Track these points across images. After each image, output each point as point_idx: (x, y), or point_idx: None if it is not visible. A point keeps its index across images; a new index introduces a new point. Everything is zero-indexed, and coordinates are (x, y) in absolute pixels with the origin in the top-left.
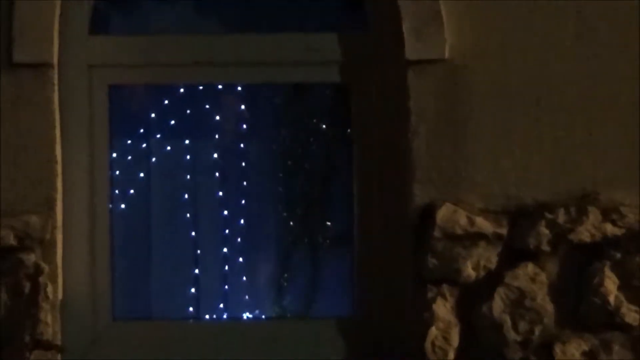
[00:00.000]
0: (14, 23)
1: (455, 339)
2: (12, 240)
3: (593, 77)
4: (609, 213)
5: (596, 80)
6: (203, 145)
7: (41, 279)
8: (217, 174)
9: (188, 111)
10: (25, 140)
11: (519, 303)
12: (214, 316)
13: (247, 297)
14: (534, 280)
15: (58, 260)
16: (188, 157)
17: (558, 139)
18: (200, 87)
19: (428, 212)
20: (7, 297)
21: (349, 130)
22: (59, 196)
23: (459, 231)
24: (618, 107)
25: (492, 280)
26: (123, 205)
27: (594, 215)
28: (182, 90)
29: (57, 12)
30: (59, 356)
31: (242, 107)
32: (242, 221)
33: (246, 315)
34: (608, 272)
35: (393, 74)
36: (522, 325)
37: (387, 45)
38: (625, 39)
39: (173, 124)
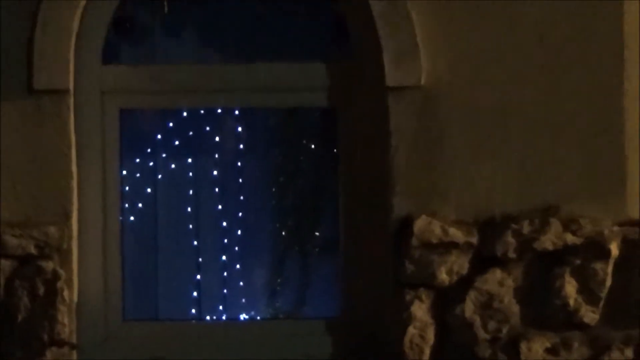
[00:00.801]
0: (34, 54)
1: (430, 338)
2: (32, 249)
3: (554, 101)
4: (569, 224)
5: (557, 104)
6: (204, 163)
7: (58, 284)
8: (216, 189)
9: (191, 133)
10: (44, 159)
11: (488, 305)
12: (214, 317)
13: (243, 299)
14: (501, 284)
15: (74, 267)
16: (190, 174)
17: (523, 158)
18: (202, 111)
19: (406, 223)
20: (28, 300)
21: (335, 150)
22: (75, 209)
23: (434, 240)
24: (577, 129)
25: (463, 284)
26: (132, 217)
27: (555, 226)
28: (185, 113)
29: (73, 43)
30: (74, 353)
31: (239, 129)
32: (239, 231)
33: (243, 316)
34: (568, 277)
35: (375, 99)
36: (491, 325)
37: (370, 73)
38: (584, 65)
39: (177, 144)
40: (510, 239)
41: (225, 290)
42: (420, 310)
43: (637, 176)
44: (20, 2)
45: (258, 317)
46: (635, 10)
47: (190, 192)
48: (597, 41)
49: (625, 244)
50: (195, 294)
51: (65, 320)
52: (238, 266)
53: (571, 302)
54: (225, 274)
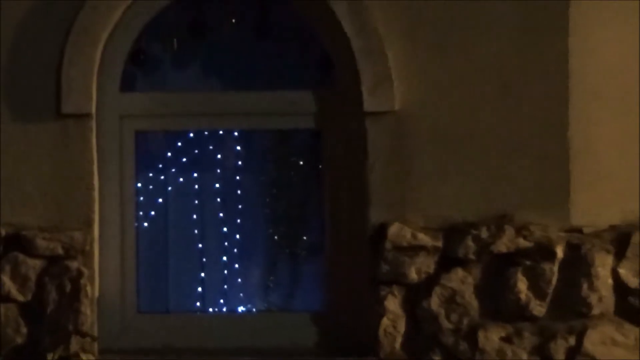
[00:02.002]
0: (62, 83)
1: (402, 327)
2: (60, 251)
3: (509, 126)
4: (521, 230)
5: (511, 128)
6: (207, 178)
7: (82, 281)
8: (218, 200)
9: (196, 151)
10: (70, 173)
11: (451, 299)
12: (216, 309)
13: (241, 294)
14: (463, 282)
15: (95, 266)
16: (196, 186)
17: (482, 174)
18: (206, 133)
19: (381, 229)
20: (55, 295)
21: (320, 166)
22: (96, 217)
23: (405, 244)
24: (528, 149)
25: (430, 281)
26: (146, 224)
27: (509, 231)
28: (191, 135)
29: (95, 73)
30: (95, 345)
31: (238, 148)
32: (237, 236)
33: (241, 308)
34: (520, 275)
35: (354, 122)
36: (454, 317)
37: (350, 100)
38: (533, 95)
39: (184, 161)
40: (470, 243)
41: (225, 287)
42: (393, 304)
43: (579, 190)
44: (50, 37)
45: (254, 310)
46: (580, 47)
47: (196, 202)
48: (545, 74)
49: (569, 247)
50: (200, 289)
51: (88, 312)
52: (237, 266)
53: (522, 297)
54: (225, 272)
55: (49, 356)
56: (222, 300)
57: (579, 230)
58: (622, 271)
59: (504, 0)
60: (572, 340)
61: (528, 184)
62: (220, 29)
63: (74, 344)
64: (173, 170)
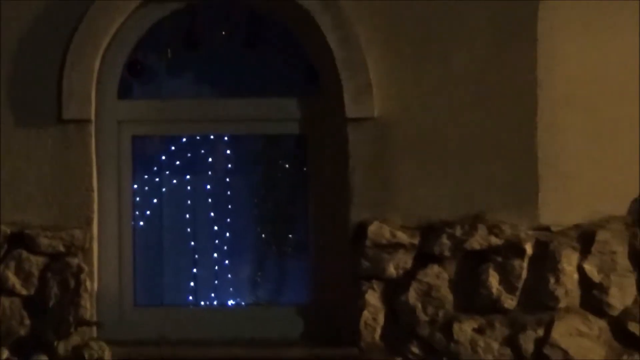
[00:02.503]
0: (63, 90)
1: (381, 319)
2: (61, 248)
3: (482, 131)
4: (492, 229)
5: (484, 134)
6: (199, 179)
7: (82, 276)
8: (209, 200)
9: (189, 155)
10: (70, 175)
11: (427, 293)
12: (208, 303)
13: (231, 289)
14: (438, 277)
15: (94, 262)
16: (189, 188)
17: (457, 176)
18: (198, 137)
19: (362, 228)
20: (57, 289)
21: (305, 169)
22: (95, 216)
23: (384, 242)
24: (500, 152)
25: (408, 277)
26: (142, 223)
27: (482, 230)
28: (184, 139)
29: (95, 82)
30: (95, 330)
31: (228, 152)
32: (227, 234)
33: (231, 302)
34: (492, 271)
35: (337, 128)
36: (430, 310)
37: (333, 107)
38: (504, 103)
39: (178, 164)
40: (445, 241)
41: (216, 281)
42: (373, 297)
43: (547, 191)
44: (52, 47)
45: (243, 303)
46: (547, 58)
47: (189, 202)
48: (514, 84)
49: (538, 244)
50: (192, 284)
51: (88, 306)
52: (227, 262)
53: (494, 291)
54: (216, 268)
55: (61, 347)
56: (213, 294)
57: (546, 229)
58: (587, 267)
59: (477, 14)
60: (540, 332)
61: (499, 186)
62: (212, 40)
63: (75, 335)
64: (167, 172)
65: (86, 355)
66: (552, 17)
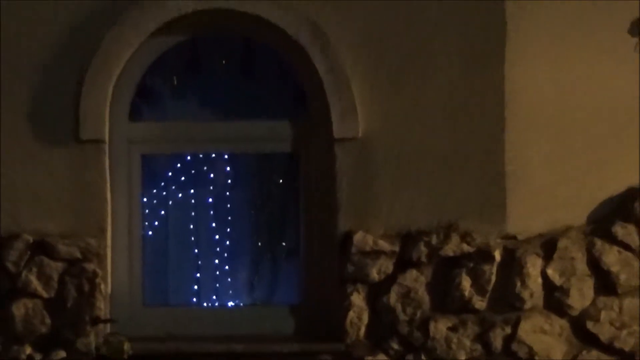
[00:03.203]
0: (80, 113)
1: (365, 319)
2: (78, 254)
3: (455, 148)
4: (464, 237)
5: (457, 150)
6: (202, 193)
7: (97, 280)
8: (211, 212)
9: (192, 171)
10: (86, 189)
11: (406, 295)
12: (209, 304)
13: (230, 291)
14: (416, 280)
15: (108, 267)
16: (192, 200)
17: (432, 189)
18: (200, 155)
19: (348, 236)
20: (74, 291)
21: (296, 184)
22: (109, 226)
23: (367, 249)
24: (471, 167)
25: (389, 280)
26: (150, 232)
27: (455, 238)
28: (188, 157)
29: (108, 105)
30: (108, 327)
31: (228, 168)
32: (227, 242)
33: (230, 302)
34: (464, 275)
35: (325, 146)
36: (409, 310)
37: (322, 128)
38: (475, 123)
39: (183, 179)
40: (422, 248)
41: (217, 284)
42: (358, 299)
43: (513, 203)
44: (70, 75)
45: (241, 304)
46: (515, 79)
47: (192, 214)
48: (484, 105)
49: (505, 251)
50: (195, 286)
51: (102, 306)
52: (226, 267)
53: (466, 293)
54: (217, 272)
55: (80, 343)
56: (214, 296)
57: (513, 237)
58: (549, 271)
59: (449, 42)
60: (508, 330)
61: (471, 198)
62: (213, 68)
63: (95, 329)
64: (173, 187)
65: (104, 351)
66: (519, 42)
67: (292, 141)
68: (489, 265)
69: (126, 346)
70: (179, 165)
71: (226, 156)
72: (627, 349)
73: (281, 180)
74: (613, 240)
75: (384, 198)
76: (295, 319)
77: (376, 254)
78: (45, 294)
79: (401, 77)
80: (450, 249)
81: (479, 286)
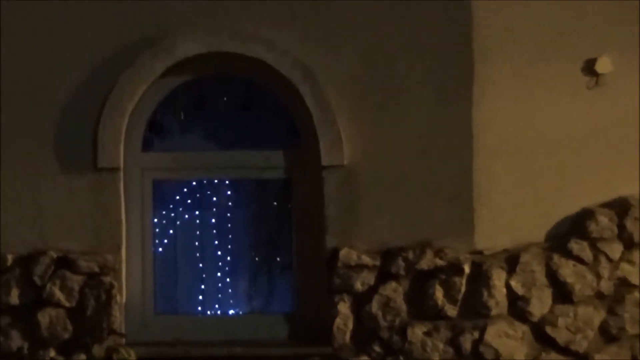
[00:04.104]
0: (98, 144)
1: (350, 325)
2: (96, 269)
3: (429, 174)
4: (438, 253)
5: (431, 176)
6: (206, 214)
7: (113, 291)
8: (214, 231)
9: (198, 195)
10: (104, 211)
11: (386, 304)
12: (213, 312)
13: (231, 301)
14: (395, 291)
15: (123, 280)
16: (197, 221)
17: (409, 210)
18: (204, 181)
19: (335, 252)
20: (93, 302)
21: (290, 205)
22: (124, 243)
23: (352, 263)
24: (443, 191)
25: (371, 291)
26: (160, 249)
27: (429, 254)
28: (194, 183)
29: (123, 137)
30: (123, 340)
31: (229, 192)
32: (228, 257)
33: (231, 311)
34: (437, 287)
35: (315, 173)
36: (389, 317)
37: (312, 156)
38: (447, 150)
39: (189, 202)
40: (401, 262)
41: (219, 295)
42: (344, 307)
43: (481, 223)
44: (89, 110)
45: (240, 312)
46: (482, 115)
47: (197, 232)
48: (454, 136)
49: (474, 265)
50: (200, 297)
51: (117, 315)
52: (228, 279)
53: (439, 302)
54: (219, 284)
55: (95, 350)
56: (217, 305)
57: (480, 253)
58: (512, 283)
59: (423, 82)
60: (476, 334)
61: (443, 219)
62: (216, 104)
63: (109, 339)
64: (180, 209)
65: (115, 358)
66: (485, 82)
67: (286, 169)
68: (459, 278)
69: (132, 355)
70: (185, 190)
71: (227, 182)
72: (581, 351)
73: (276, 203)
74: (569, 255)
75: (366, 218)
76: (289, 326)
77: (360, 267)
78: (67, 304)
79: (381, 113)
80: (425, 263)
81: (450, 296)
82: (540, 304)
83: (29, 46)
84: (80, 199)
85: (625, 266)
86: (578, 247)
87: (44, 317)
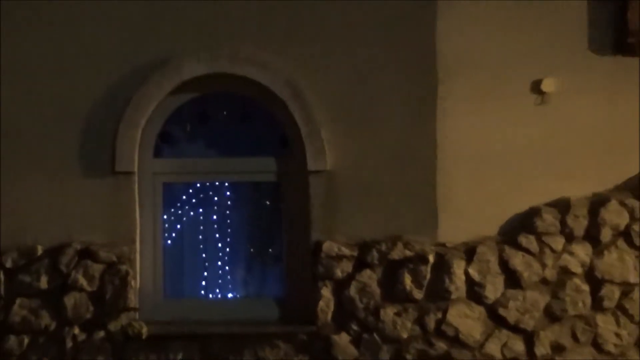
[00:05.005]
0: (116, 152)
1: (332, 307)
2: (114, 259)
3: (396, 177)
4: (406, 245)
5: (402, 179)
6: (208, 212)
7: (128, 278)
8: (215, 226)
9: (201, 195)
10: (121, 209)
11: (363, 289)
12: (214, 295)
13: (230, 286)
14: (370, 278)
15: (137, 268)
16: (201, 218)
17: (383, 208)
18: (207, 184)
19: (319, 245)
20: (111, 287)
21: (280, 205)
22: (138, 237)
23: (333, 254)
24: (411, 193)
25: (349, 278)
26: (169, 242)
27: (399, 246)
28: (198, 185)
29: (137, 146)
30: (137, 315)
31: (228, 193)
32: (227, 249)
33: (230, 295)
34: (406, 274)
35: (302, 177)
36: (364, 300)
37: (299, 163)
38: (416, 156)
39: (194, 202)
40: (375, 253)
41: (220, 281)
42: (327, 292)
43: (443, 220)
44: (108, 123)
45: (238, 296)
46: (445, 127)
47: (201, 228)
48: (421, 145)
49: (437, 256)
50: (203, 283)
51: (132, 298)
52: (227, 268)
53: (407, 287)
54: (220, 272)
55: (112, 325)
56: (217, 290)
57: (443, 245)
58: (470, 271)
59: (394, 99)
60: (439, 315)
61: (412, 216)
62: (217, 117)
63: (124, 318)
64: (186, 207)
65: (129, 332)
66: (449, 99)
67: (277, 173)
68: (425, 266)
69: (144, 329)
70: (191, 191)
71: (227, 184)
72: (529, 329)
73: (268, 203)
74: (518, 247)
75: (345, 216)
76: (279, 307)
77: (340, 258)
78: (89, 289)
79: (359, 126)
80: (396, 254)
81: (417, 282)
82: (494, 289)
83: (56, 68)
84: (100, 199)
85: (566, 257)
86: (526, 240)
87: (69, 300)
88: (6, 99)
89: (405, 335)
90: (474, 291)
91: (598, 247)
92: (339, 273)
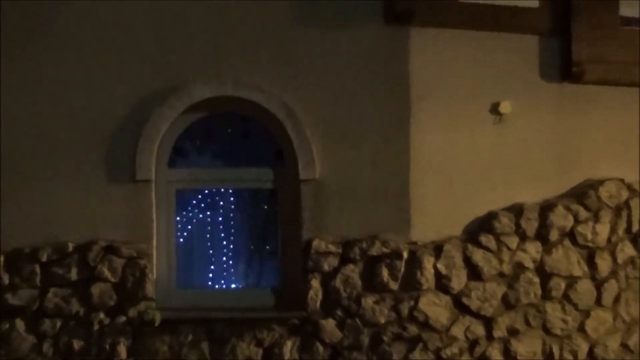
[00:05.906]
0: (137, 163)
1: (320, 296)
2: (134, 254)
3: (378, 184)
4: (384, 243)
5: (380, 186)
6: (214, 215)
7: (146, 271)
8: (220, 227)
9: (208, 200)
10: (139, 213)
11: (346, 281)
12: (219, 286)
13: (232, 277)
14: (353, 271)
15: (154, 263)
16: (208, 219)
17: (363, 212)
18: (214, 190)
19: (309, 243)
20: (132, 278)
21: (276, 208)
22: (154, 236)
23: (321, 251)
24: (388, 198)
25: (336, 271)
26: (181, 240)
27: (377, 244)
28: (206, 191)
29: (155, 158)
30: (153, 304)
31: (232, 199)
32: (231, 246)
33: (233, 285)
34: (384, 268)
35: (294, 185)
36: (348, 290)
37: (292, 172)
38: (392, 167)
39: (202, 206)
40: (357, 250)
41: (224, 273)
42: (316, 283)
43: (415, 222)
44: (129, 138)
45: (239, 286)
46: (418, 141)
47: (208, 228)
48: (396, 158)
49: (410, 252)
50: (210, 275)
51: (150, 288)
52: (230, 262)
53: (385, 279)
54: (224, 265)
55: (131, 311)
56: (222, 281)
57: (415, 243)
58: (439, 265)
59: (374, 117)
60: (412, 303)
61: (388, 218)
62: (222, 133)
63: (142, 305)
64: (196, 210)
65: (145, 318)
66: (420, 117)
67: (273, 182)
68: (399, 261)
69: (157, 316)
70: (200, 196)
71: (230, 191)
72: (488, 315)
73: (266, 207)
74: (479, 245)
75: (332, 218)
76: (274, 296)
77: (327, 254)
78: (112, 280)
79: (343, 141)
80: (375, 250)
81: (393, 275)
82: (458, 281)
83: (87, 93)
84: (122, 203)
85: (520, 253)
86: (486, 239)
87: (96, 289)
88: (47, 119)
89: (382, 321)
90: (442, 283)
91: (547, 245)
92: (326, 267)
